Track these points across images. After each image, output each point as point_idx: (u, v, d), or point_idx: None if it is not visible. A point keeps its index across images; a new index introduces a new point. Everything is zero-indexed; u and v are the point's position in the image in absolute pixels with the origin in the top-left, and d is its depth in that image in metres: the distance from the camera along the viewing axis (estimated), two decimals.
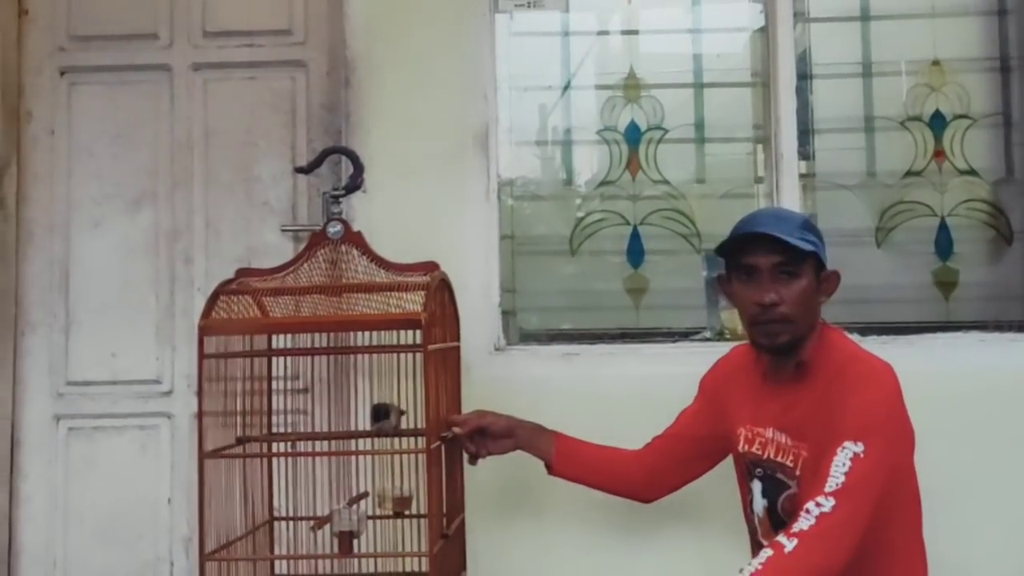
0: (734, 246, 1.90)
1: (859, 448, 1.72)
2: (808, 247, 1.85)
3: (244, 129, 2.98)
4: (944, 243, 2.95)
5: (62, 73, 3.01)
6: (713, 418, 2.11)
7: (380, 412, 2.28)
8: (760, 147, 2.97)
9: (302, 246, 2.56)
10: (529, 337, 2.92)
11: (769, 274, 1.86)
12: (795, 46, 2.88)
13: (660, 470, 2.19)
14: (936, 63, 3.01)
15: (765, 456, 1.94)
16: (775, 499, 1.93)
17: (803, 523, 1.68)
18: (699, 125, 3.03)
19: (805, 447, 1.85)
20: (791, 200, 2.80)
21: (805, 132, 2.93)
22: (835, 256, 2.89)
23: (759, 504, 1.97)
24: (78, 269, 2.96)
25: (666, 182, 2.99)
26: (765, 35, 2.91)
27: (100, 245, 2.96)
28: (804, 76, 2.96)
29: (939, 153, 2.97)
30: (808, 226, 1.92)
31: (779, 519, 1.92)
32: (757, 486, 1.98)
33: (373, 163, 2.62)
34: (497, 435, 2.24)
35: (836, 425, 1.76)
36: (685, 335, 2.89)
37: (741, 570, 1.67)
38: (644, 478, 2.20)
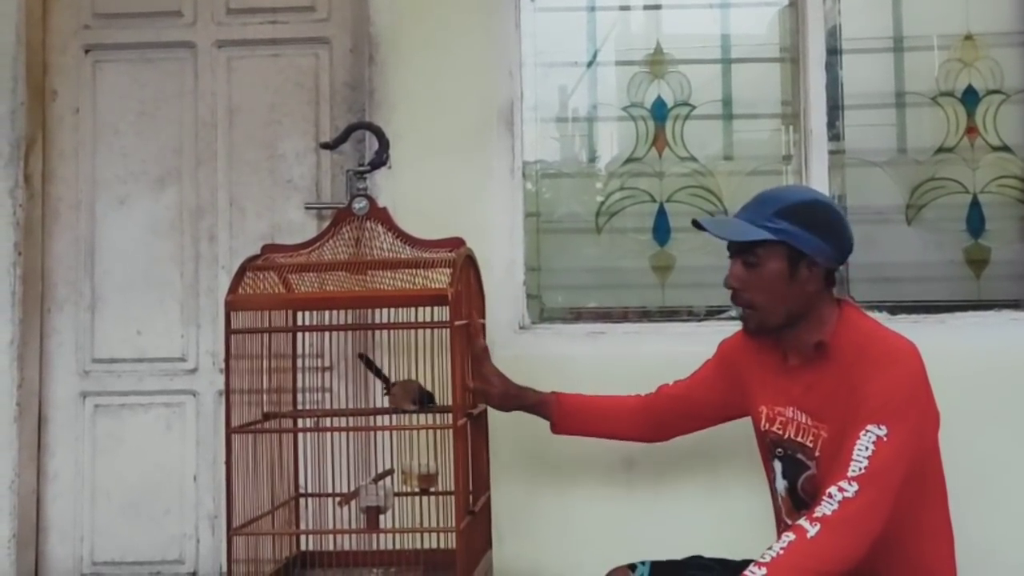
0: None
1: (882, 432, 1.70)
2: (756, 236, 1.82)
3: (268, 107, 2.97)
4: (976, 220, 2.91)
5: (86, 51, 3.01)
6: (724, 384, 2.10)
7: (424, 397, 2.28)
8: (789, 124, 2.94)
9: (325, 224, 2.56)
10: (554, 315, 2.91)
11: (735, 259, 1.89)
12: (825, 21, 2.84)
13: (664, 421, 2.23)
14: (969, 37, 2.96)
15: (786, 436, 1.93)
16: (795, 479, 1.92)
17: (826, 508, 1.66)
18: (727, 101, 3.00)
19: (825, 428, 1.84)
20: (820, 177, 2.78)
21: (835, 108, 2.89)
22: (865, 233, 2.89)
23: (780, 484, 1.96)
24: (103, 247, 2.97)
25: (693, 159, 2.97)
26: (794, 10, 2.88)
27: (125, 223, 2.97)
28: (834, 51, 2.92)
29: (971, 129, 2.93)
30: (791, 211, 1.84)
31: (800, 499, 1.91)
32: (778, 466, 1.96)
33: (397, 140, 2.61)
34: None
35: (858, 407, 1.74)
36: (711, 314, 2.87)
37: (763, 555, 1.66)
38: (648, 426, 2.24)
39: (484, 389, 2.26)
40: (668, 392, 2.21)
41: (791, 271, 1.84)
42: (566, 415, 2.24)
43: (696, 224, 1.98)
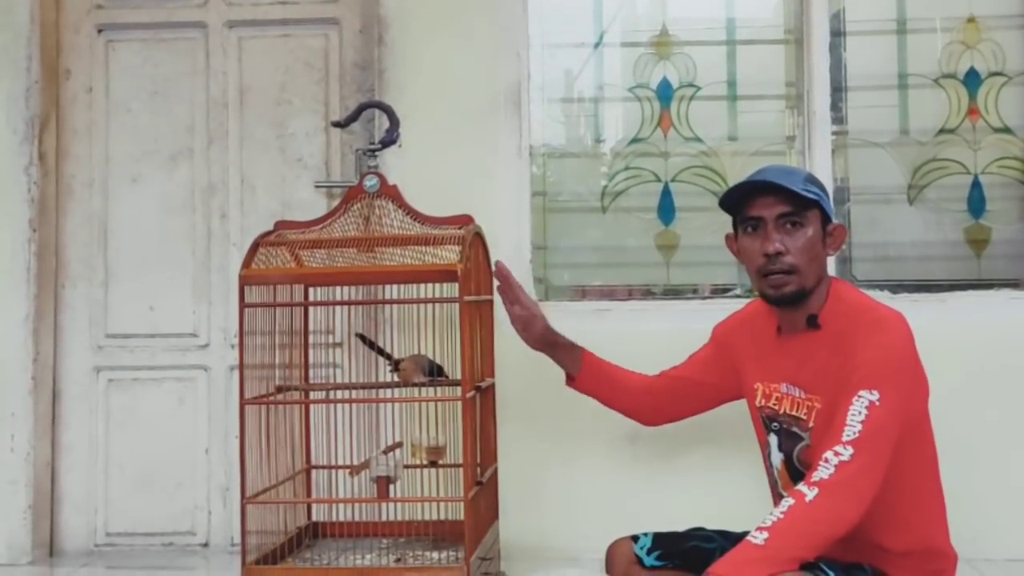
0: (739, 199, 1.92)
1: (874, 396, 1.73)
2: (812, 197, 1.86)
3: (278, 86, 3.01)
4: (977, 201, 2.94)
5: (99, 31, 3.05)
6: (720, 367, 2.14)
7: (434, 369, 2.32)
8: (793, 105, 2.97)
9: (335, 202, 2.60)
10: (560, 293, 2.95)
11: (774, 224, 1.86)
12: (829, 3, 2.87)
13: (662, 404, 2.24)
14: (971, 20, 2.99)
15: (781, 411, 1.95)
16: (791, 452, 1.94)
17: (823, 472, 1.69)
18: (731, 83, 3.03)
19: (819, 400, 1.87)
20: (823, 158, 2.81)
21: (838, 90, 2.93)
22: (867, 213, 2.94)
23: (776, 457, 1.99)
24: (116, 224, 3.02)
25: (698, 139, 3.00)
26: None
27: (138, 201, 3.02)
28: (838, 33, 2.95)
29: (973, 111, 2.96)
30: (812, 179, 1.92)
31: (797, 471, 1.93)
32: (774, 440, 1.99)
33: (406, 120, 2.63)
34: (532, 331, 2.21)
35: (850, 375, 1.77)
36: (716, 292, 2.91)
37: (764, 520, 1.70)
38: (648, 407, 2.25)
39: (528, 315, 2.19)
40: (668, 375, 2.24)
41: (823, 235, 1.89)
42: (587, 374, 2.23)
43: (742, 187, 1.91)
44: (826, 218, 1.90)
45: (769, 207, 1.87)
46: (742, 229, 1.93)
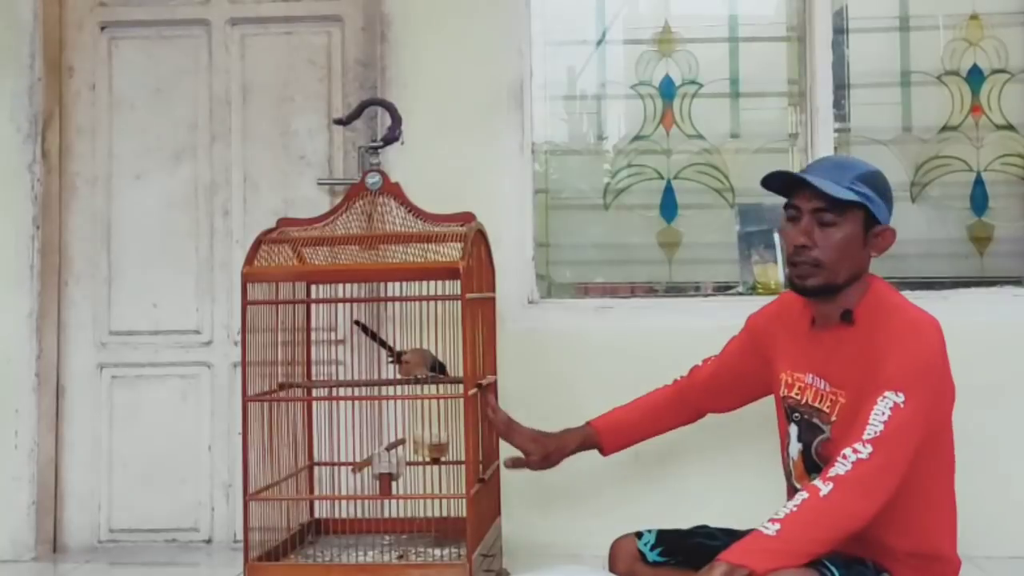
0: (782, 186, 1.93)
1: (899, 398, 1.73)
2: (850, 197, 1.84)
3: (281, 84, 3.01)
4: (980, 198, 2.94)
5: (102, 28, 3.05)
6: (753, 356, 2.14)
7: (436, 365, 2.34)
8: (796, 103, 2.97)
9: (337, 200, 2.61)
10: (562, 290, 2.96)
11: (809, 218, 1.87)
12: (832, 1, 2.87)
13: (700, 403, 2.25)
14: (974, 17, 2.99)
15: (803, 401, 1.96)
16: (809, 443, 1.95)
17: (840, 468, 1.70)
18: (734, 80, 3.03)
19: (844, 394, 1.87)
20: (825, 155, 2.79)
21: (841, 87, 2.93)
22: None
23: (794, 447, 2.00)
24: (120, 221, 3.03)
25: (700, 137, 3.00)
26: None
27: (141, 198, 3.02)
28: (840, 30, 2.95)
29: (976, 108, 2.96)
30: (868, 179, 1.88)
31: (813, 463, 1.94)
32: (794, 430, 1.99)
33: (409, 117, 2.63)
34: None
35: (877, 375, 1.77)
36: (718, 289, 2.91)
37: (777, 512, 1.70)
38: (686, 412, 2.27)
39: (523, 463, 2.26)
40: (700, 374, 2.24)
41: (864, 236, 1.88)
42: (609, 436, 2.26)
43: (777, 175, 1.93)
44: (873, 219, 1.88)
45: (806, 200, 1.87)
46: (785, 214, 1.93)
